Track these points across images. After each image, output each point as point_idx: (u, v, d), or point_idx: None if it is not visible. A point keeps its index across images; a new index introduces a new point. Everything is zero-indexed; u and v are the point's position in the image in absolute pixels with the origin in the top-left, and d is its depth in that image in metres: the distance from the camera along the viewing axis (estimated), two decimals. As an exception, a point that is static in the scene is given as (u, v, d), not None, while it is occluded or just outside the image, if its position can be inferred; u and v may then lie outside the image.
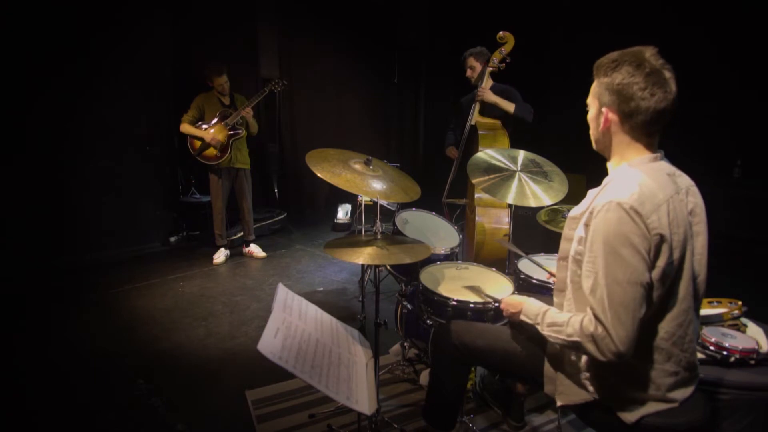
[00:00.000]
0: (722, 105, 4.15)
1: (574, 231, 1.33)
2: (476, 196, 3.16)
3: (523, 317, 1.47)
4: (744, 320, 1.91)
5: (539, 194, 2.25)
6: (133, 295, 3.68)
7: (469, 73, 3.44)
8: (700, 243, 1.32)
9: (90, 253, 4.36)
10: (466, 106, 3.43)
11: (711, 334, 1.74)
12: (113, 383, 2.53)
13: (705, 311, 1.96)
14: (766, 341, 1.78)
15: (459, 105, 3.61)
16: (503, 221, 3.08)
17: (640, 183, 1.21)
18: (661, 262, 1.19)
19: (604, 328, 1.18)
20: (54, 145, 4.10)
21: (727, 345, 1.69)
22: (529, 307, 1.45)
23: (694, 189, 1.34)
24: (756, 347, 1.69)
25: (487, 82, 3.33)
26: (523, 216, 3.60)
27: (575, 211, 1.35)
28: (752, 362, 1.68)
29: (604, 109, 1.31)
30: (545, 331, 1.36)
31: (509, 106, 3.20)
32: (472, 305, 2.04)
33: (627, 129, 1.29)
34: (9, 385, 2.50)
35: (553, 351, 1.46)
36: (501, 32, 3.13)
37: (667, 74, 1.23)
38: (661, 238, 1.18)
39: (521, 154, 2.42)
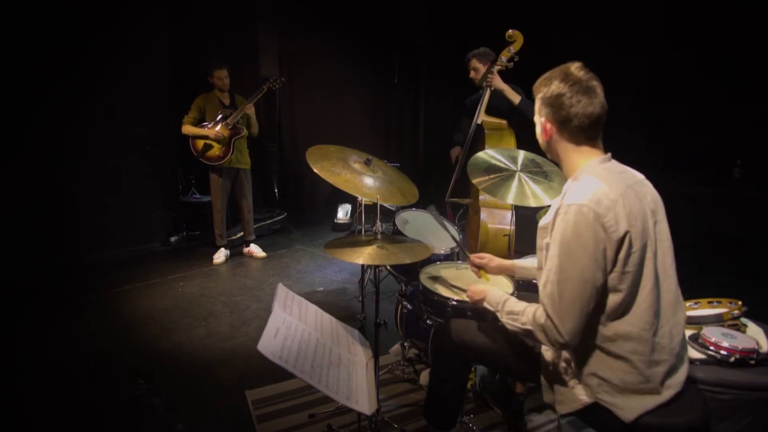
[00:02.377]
0: (722, 105, 4.15)
1: (544, 240, 1.39)
2: (481, 197, 3.15)
3: (486, 304, 1.59)
4: (744, 320, 1.90)
5: (539, 194, 2.25)
6: (133, 295, 3.68)
7: (472, 74, 3.39)
8: (663, 230, 1.37)
9: (90, 253, 4.37)
10: (470, 107, 3.40)
11: (711, 334, 1.74)
12: (113, 383, 2.53)
13: (705, 311, 1.96)
14: (766, 341, 1.78)
15: (464, 106, 3.58)
16: (506, 222, 3.08)
17: (594, 185, 1.30)
18: (621, 254, 1.26)
19: (552, 320, 1.29)
20: (54, 145, 4.10)
21: (727, 345, 1.69)
22: (492, 296, 1.57)
23: (646, 181, 1.43)
24: (756, 347, 1.69)
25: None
26: (523, 216, 3.60)
27: (544, 221, 1.41)
28: (752, 362, 1.67)
29: (542, 120, 1.42)
30: (504, 318, 1.47)
31: (515, 98, 3.17)
32: (471, 305, 2.04)
33: (567, 136, 1.39)
34: (9, 385, 2.50)
35: (546, 362, 1.48)
36: (510, 30, 3.08)
37: (592, 83, 1.35)
38: (621, 234, 1.25)
39: (521, 154, 2.42)
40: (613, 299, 1.28)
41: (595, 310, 1.30)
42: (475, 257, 1.98)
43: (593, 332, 1.32)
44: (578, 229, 1.25)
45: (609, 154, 1.41)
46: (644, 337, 1.28)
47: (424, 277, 2.27)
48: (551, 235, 1.33)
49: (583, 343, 1.34)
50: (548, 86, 1.38)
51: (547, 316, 1.30)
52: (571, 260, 1.26)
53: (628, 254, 1.26)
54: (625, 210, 1.26)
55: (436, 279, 2.29)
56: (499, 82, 3.17)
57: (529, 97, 3.20)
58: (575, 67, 1.37)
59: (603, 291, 1.28)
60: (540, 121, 1.44)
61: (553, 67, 1.42)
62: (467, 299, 1.83)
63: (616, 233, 1.24)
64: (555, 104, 1.36)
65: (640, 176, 1.43)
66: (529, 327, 1.37)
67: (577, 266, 1.25)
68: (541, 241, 1.41)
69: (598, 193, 1.27)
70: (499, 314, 1.51)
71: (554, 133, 1.41)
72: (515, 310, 1.44)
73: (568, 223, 1.27)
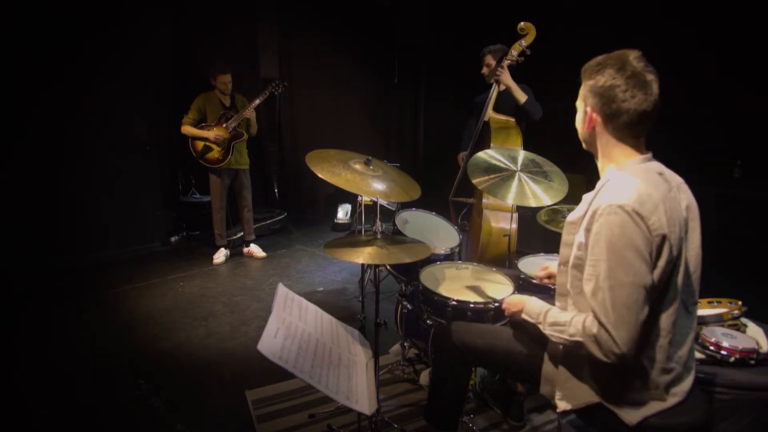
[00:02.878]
0: (722, 105, 4.14)
1: (573, 236, 1.34)
2: (484, 200, 3.13)
3: (525, 316, 1.47)
4: (744, 320, 1.91)
5: (539, 194, 2.25)
6: (133, 295, 3.68)
7: (485, 70, 3.34)
8: (695, 239, 1.33)
9: (90, 253, 4.37)
10: (480, 105, 3.36)
11: (711, 334, 1.74)
12: (113, 383, 2.53)
13: (705, 311, 1.96)
14: (766, 341, 1.78)
15: (474, 104, 3.55)
16: (508, 222, 3.07)
17: (635, 184, 1.23)
18: (662, 261, 1.21)
19: (606, 330, 1.19)
20: (54, 145, 4.10)
21: (727, 345, 1.69)
22: (532, 307, 1.46)
23: (685, 186, 1.36)
24: (756, 347, 1.69)
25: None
26: (523, 216, 3.60)
27: (572, 216, 1.37)
28: (752, 362, 1.68)
29: (588, 110, 1.34)
30: (547, 330, 1.37)
31: (521, 96, 3.14)
32: (472, 305, 2.04)
33: (611, 130, 1.32)
34: (9, 385, 2.50)
35: (552, 354, 1.46)
36: (522, 23, 3.02)
37: (649, 77, 1.25)
38: (663, 238, 1.20)
39: (521, 154, 2.42)
40: None
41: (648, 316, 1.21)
42: (541, 271, 1.82)
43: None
44: (626, 230, 1.18)
45: (650, 154, 1.34)
46: (659, 344, 1.26)
47: (426, 277, 2.27)
48: (585, 235, 1.27)
49: None
50: (601, 74, 1.28)
51: (600, 324, 1.20)
52: (621, 264, 1.18)
53: (667, 261, 1.21)
54: (666, 214, 1.21)
55: (445, 279, 2.28)
56: (507, 78, 3.13)
57: (544, 85, 3.13)
58: (634, 57, 1.26)
59: (652, 295, 1.21)
60: (584, 109, 1.36)
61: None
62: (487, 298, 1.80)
63: (659, 237, 1.19)
64: (606, 96, 1.27)
65: (679, 180, 1.35)
66: (578, 338, 1.25)
67: (630, 270, 1.17)
68: (568, 237, 1.36)
69: (641, 194, 1.20)
70: (540, 326, 1.39)
71: (598, 125, 1.33)
72: (560, 321, 1.33)
73: (613, 225, 1.19)
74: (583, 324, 1.25)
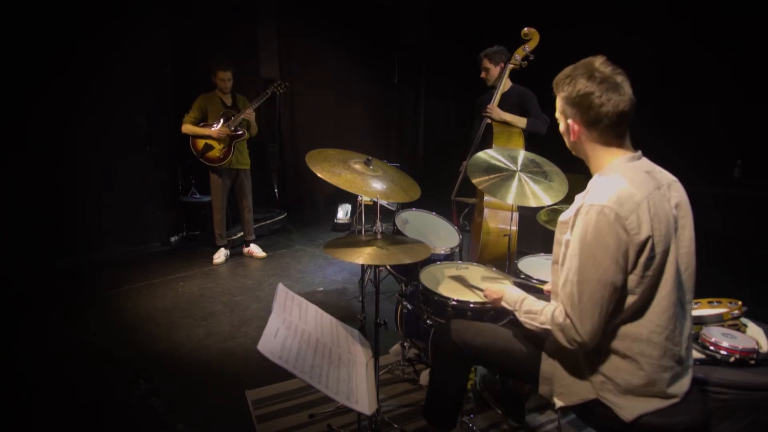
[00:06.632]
0: (722, 105, 4.15)
1: (563, 235, 1.37)
2: (485, 198, 3.14)
3: (503, 303, 1.58)
4: (744, 320, 1.91)
5: (539, 194, 2.25)
6: (133, 295, 3.68)
7: (483, 74, 3.34)
8: (686, 236, 1.34)
9: (90, 253, 4.37)
10: (483, 106, 3.35)
11: (711, 334, 1.74)
12: (113, 383, 2.53)
13: (705, 311, 1.96)
14: (766, 341, 1.78)
15: (477, 104, 3.55)
16: (509, 222, 3.07)
17: (618, 185, 1.26)
18: (642, 258, 1.24)
19: (571, 320, 1.28)
20: (54, 145, 4.10)
21: (727, 345, 1.69)
22: (510, 295, 1.56)
23: (677, 185, 1.38)
24: (756, 347, 1.69)
25: (505, 83, 3.25)
26: (523, 216, 3.59)
27: (565, 215, 1.39)
28: (752, 362, 1.67)
29: (569, 122, 1.38)
30: (522, 317, 1.47)
31: (520, 122, 3.14)
32: (471, 305, 2.04)
33: (595, 135, 1.35)
34: (9, 385, 2.50)
35: (550, 351, 1.47)
36: (526, 29, 3.04)
37: (619, 78, 1.29)
38: (643, 238, 1.23)
39: (521, 154, 2.42)
40: (628, 301, 1.27)
41: (614, 311, 1.28)
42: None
43: (604, 331, 1.31)
44: (599, 230, 1.22)
45: (639, 152, 1.37)
46: (653, 340, 1.27)
47: (426, 277, 2.27)
48: (572, 232, 1.31)
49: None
50: (573, 85, 1.32)
51: (566, 315, 1.29)
52: (591, 262, 1.24)
53: (649, 258, 1.24)
54: (649, 212, 1.24)
55: (445, 279, 2.28)
56: (498, 114, 3.14)
57: (545, 95, 3.17)
58: (600, 63, 1.31)
59: (623, 292, 1.26)
60: (565, 122, 1.39)
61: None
62: (484, 298, 1.83)
63: (638, 236, 1.22)
64: (582, 104, 1.31)
65: (671, 178, 1.38)
66: (547, 326, 1.35)
67: (598, 268, 1.23)
68: (560, 236, 1.38)
69: (621, 194, 1.24)
70: (516, 313, 1.50)
71: (582, 134, 1.36)
72: (533, 309, 1.43)
73: (588, 224, 1.24)
74: (552, 313, 1.34)
